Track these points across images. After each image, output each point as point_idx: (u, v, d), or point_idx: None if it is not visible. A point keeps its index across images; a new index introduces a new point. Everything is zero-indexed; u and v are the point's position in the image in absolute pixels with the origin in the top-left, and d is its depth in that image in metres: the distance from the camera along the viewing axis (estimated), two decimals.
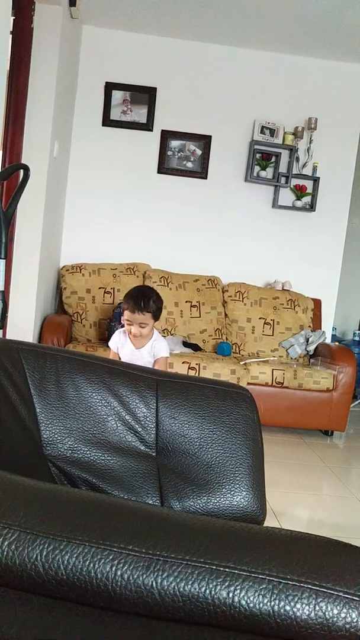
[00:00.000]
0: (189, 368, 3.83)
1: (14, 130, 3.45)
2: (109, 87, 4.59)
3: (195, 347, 4.27)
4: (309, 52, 4.58)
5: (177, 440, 1.49)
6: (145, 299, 2.71)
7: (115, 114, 4.62)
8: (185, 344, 4.24)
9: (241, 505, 1.42)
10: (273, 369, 4.00)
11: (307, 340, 4.44)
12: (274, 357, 4.39)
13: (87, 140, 4.65)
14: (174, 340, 4.16)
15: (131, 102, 4.62)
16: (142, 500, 1.42)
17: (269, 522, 2.03)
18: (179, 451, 1.48)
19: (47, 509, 0.66)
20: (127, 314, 2.73)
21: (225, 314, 4.54)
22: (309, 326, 4.57)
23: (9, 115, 3.40)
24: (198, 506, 1.41)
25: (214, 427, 1.49)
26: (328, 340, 4.71)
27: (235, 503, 1.41)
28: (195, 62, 4.65)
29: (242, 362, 4.04)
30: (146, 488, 1.43)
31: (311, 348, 4.41)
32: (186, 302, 4.44)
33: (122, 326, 3.92)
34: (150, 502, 1.41)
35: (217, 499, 1.41)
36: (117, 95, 4.61)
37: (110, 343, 2.96)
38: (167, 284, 4.43)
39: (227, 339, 4.50)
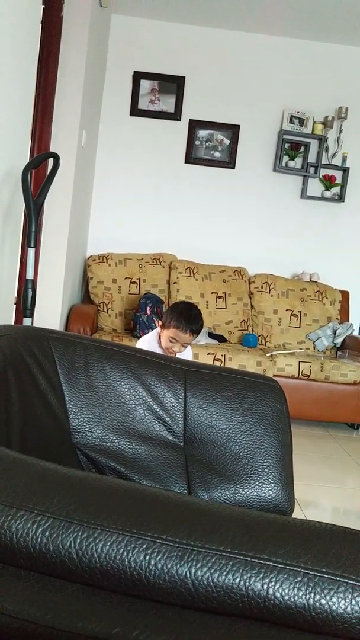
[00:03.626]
0: (214, 359, 3.82)
1: (43, 119, 3.46)
2: (137, 77, 4.58)
3: (220, 339, 4.25)
4: (340, 39, 4.49)
5: (205, 431, 1.48)
6: (196, 322, 2.65)
7: (143, 104, 4.60)
8: (211, 335, 4.23)
9: (269, 497, 1.41)
10: (300, 361, 3.97)
11: (335, 332, 4.40)
12: (300, 349, 4.35)
13: (114, 129, 4.64)
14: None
15: (159, 92, 4.59)
16: (169, 490, 1.42)
17: (294, 514, 2.02)
18: (207, 442, 1.47)
19: (81, 496, 0.66)
20: (174, 332, 2.61)
21: (252, 305, 4.51)
22: (337, 318, 4.52)
23: (38, 104, 3.41)
24: (226, 497, 1.40)
25: (243, 418, 1.48)
26: (356, 333, 4.65)
27: (264, 495, 1.40)
28: (224, 51, 4.60)
29: (268, 354, 4.02)
30: (174, 478, 1.43)
31: (338, 340, 4.36)
32: (212, 293, 4.42)
33: (148, 317, 3.93)
34: (177, 492, 1.41)
35: (245, 490, 1.41)
36: (145, 85, 4.59)
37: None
38: (193, 275, 4.41)
39: (253, 330, 4.47)
